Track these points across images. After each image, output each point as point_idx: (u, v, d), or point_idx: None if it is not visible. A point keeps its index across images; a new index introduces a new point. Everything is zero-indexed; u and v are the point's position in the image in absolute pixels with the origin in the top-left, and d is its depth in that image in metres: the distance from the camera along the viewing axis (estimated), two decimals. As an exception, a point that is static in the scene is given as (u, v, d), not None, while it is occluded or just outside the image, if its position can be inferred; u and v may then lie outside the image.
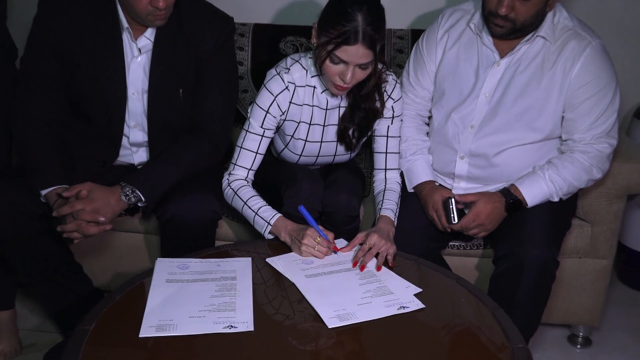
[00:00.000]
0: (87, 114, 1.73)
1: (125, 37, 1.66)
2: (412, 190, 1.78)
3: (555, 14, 1.65)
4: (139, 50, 1.67)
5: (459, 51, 1.73)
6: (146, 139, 1.77)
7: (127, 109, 1.71)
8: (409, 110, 1.82)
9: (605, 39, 1.68)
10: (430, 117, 1.84)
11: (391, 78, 1.71)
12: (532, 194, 1.64)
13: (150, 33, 1.66)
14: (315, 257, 1.49)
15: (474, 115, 1.71)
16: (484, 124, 1.70)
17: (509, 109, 1.67)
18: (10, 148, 1.86)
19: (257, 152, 1.68)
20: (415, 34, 2.17)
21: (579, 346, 2.00)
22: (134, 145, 1.79)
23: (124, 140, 1.77)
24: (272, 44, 2.20)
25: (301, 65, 1.66)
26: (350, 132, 1.72)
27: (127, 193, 1.60)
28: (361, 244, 1.51)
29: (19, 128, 1.70)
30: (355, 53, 1.47)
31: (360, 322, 1.24)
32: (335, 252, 1.52)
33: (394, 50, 2.20)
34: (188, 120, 1.76)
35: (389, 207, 1.66)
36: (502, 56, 1.68)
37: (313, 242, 1.49)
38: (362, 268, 1.44)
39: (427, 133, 1.83)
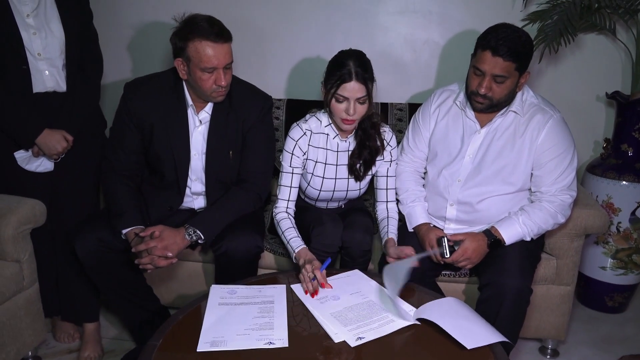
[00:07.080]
0: (160, 170, 1.73)
1: (190, 111, 1.68)
2: (412, 230, 1.73)
3: (524, 93, 1.64)
4: (200, 121, 1.68)
5: (447, 122, 1.72)
6: (204, 189, 1.76)
7: (190, 166, 1.71)
8: (408, 167, 1.80)
9: (561, 111, 1.65)
10: (425, 173, 1.81)
11: (387, 129, 1.74)
12: (509, 234, 1.60)
13: (208, 108, 1.68)
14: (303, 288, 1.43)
15: (460, 172, 1.68)
16: (469, 179, 1.67)
17: (488, 167, 1.64)
18: (98, 196, 1.87)
19: (291, 186, 1.70)
20: (412, 107, 2.17)
21: (548, 357, 1.91)
22: (195, 194, 1.78)
23: (187, 190, 1.76)
24: (300, 114, 2.19)
25: (317, 117, 1.72)
26: (358, 166, 1.73)
27: (190, 233, 1.58)
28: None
29: (107, 181, 1.70)
30: (352, 88, 1.53)
31: (372, 340, 1.20)
32: (322, 287, 1.43)
33: (395, 119, 2.19)
34: (237, 175, 1.76)
35: (393, 232, 1.67)
36: (482, 126, 1.66)
37: (306, 276, 1.43)
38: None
39: (423, 185, 1.80)
